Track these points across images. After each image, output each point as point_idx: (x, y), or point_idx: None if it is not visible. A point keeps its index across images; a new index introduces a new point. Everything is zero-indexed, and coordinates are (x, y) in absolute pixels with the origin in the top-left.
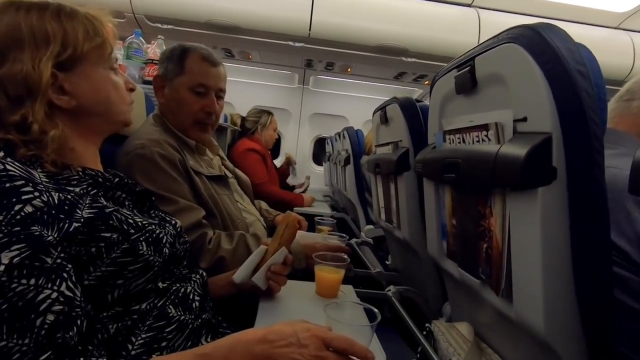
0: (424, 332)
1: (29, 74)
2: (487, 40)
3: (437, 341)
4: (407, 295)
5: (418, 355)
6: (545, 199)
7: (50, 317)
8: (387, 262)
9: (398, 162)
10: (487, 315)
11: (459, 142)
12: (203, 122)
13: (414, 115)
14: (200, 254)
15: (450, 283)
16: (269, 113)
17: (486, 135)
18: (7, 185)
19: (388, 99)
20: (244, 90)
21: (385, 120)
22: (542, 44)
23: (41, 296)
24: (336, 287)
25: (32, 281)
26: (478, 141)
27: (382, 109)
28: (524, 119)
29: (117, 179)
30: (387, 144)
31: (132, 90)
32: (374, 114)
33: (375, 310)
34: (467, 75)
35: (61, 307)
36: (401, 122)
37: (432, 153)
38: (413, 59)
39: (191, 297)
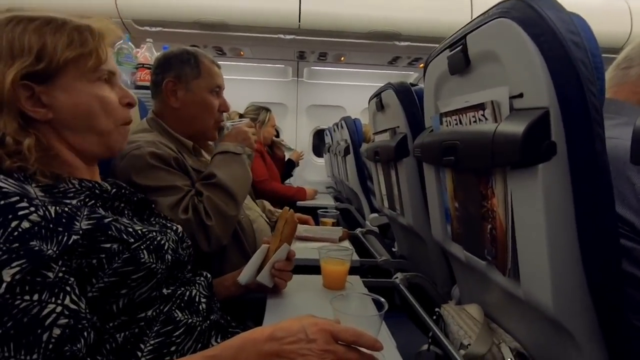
0: (434, 317)
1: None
2: (478, 16)
3: (447, 325)
4: (415, 282)
5: (430, 340)
6: (546, 175)
7: (57, 331)
8: (393, 250)
9: (397, 148)
10: (496, 295)
11: (456, 124)
12: (219, 122)
13: (410, 99)
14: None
15: (457, 266)
16: (267, 110)
17: (483, 115)
18: (2, 202)
19: (382, 84)
20: (239, 87)
21: (381, 107)
22: (533, 17)
23: (46, 311)
24: (343, 278)
25: (36, 296)
26: (475, 121)
27: (377, 95)
28: (520, 95)
29: (114, 190)
30: (385, 130)
31: (130, 105)
32: (369, 101)
33: (382, 299)
34: (459, 54)
35: (67, 320)
36: (397, 107)
37: (429, 137)
38: (406, 43)
39: (197, 299)
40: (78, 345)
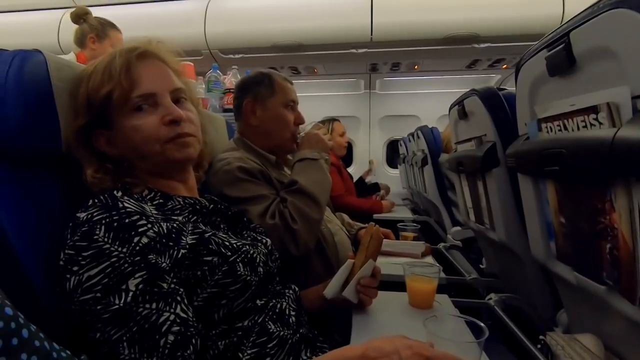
0: (539, 346)
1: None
2: (583, 11)
3: (556, 356)
4: (511, 304)
5: None
6: None
7: (171, 338)
8: (481, 266)
9: (485, 158)
10: (620, 326)
11: (559, 130)
12: (295, 134)
13: (498, 105)
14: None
15: (564, 289)
16: (331, 120)
17: (595, 119)
18: (127, 220)
19: (462, 90)
20: (312, 104)
21: (464, 115)
22: None
23: (162, 318)
24: (431, 297)
25: (154, 305)
26: (585, 126)
27: (460, 103)
28: None
29: (212, 205)
30: (469, 139)
31: (173, 122)
32: (450, 109)
33: (482, 324)
34: (561, 53)
35: (178, 327)
36: (483, 115)
37: (526, 145)
38: (486, 44)
39: (287, 312)
40: (188, 352)
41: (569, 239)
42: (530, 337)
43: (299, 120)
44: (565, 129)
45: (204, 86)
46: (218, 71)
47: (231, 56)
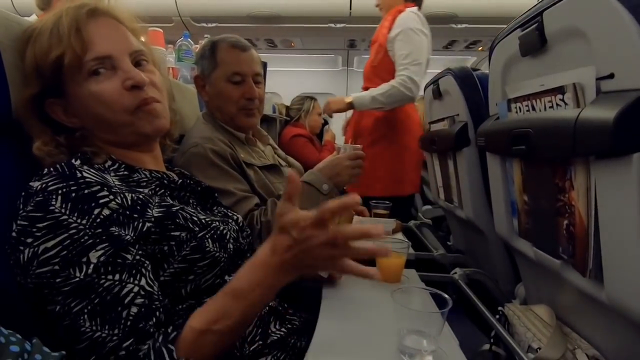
0: (497, 316)
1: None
2: None
3: (512, 325)
4: (474, 278)
5: (492, 340)
6: None
7: (134, 310)
8: (449, 243)
9: (457, 137)
10: (571, 297)
11: (528, 110)
12: (247, 107)
13: (472, 85)
14: (258, 239)
15: (523, 263)
16: (312, 98)
17: (562, 99)
18: (86, 191)
19: (438, 71)
20: (289, 78)
21: (438, 94)
22: None
23: (125, 290)
24: (399, 271)
25: (117, 277)
26: (552, 107)
27: (435, 82)
28: (611, 76)
29: (180, 180)
30: (443, 119)
31: (135, 87)
32: (425, 88)
33: (446, 296)
34: (534, 33)
35: (142, 300)
36: (457, 94)
37: (496, 125)
38: (464, 25)
39: None
40: (150, 323)
41: (530, 216)
42: (490, 308)
43: (248, 95)
44: (534, 109)
45: (174, 55)
46: (189, 40)
47: (204, 25)
